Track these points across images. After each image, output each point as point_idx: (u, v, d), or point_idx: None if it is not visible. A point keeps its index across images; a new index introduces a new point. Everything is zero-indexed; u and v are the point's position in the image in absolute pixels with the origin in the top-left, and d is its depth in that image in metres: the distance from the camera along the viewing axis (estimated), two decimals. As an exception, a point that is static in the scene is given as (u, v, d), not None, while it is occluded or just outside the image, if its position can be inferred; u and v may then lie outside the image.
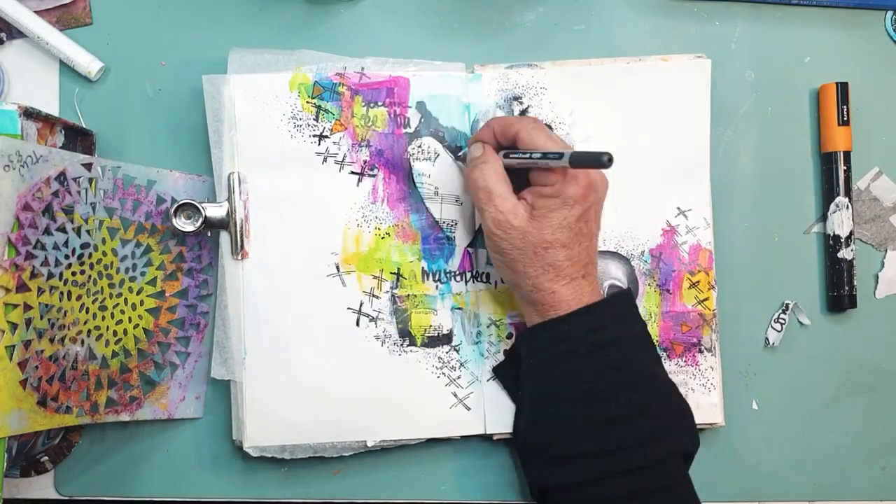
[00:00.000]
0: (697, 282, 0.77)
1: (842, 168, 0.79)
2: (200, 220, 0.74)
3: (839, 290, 0.79)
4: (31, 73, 0.79)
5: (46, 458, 0.76)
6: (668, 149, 0.77)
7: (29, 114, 0.69)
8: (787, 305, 0.79)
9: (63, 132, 0.74)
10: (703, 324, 0.77)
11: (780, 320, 0.79)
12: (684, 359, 0.77)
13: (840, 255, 0.79)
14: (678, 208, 0.78)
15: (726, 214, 0.79)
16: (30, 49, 0.79)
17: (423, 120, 0.76)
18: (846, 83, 0.79)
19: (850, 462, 0.80)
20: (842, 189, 0.79)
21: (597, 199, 0.69)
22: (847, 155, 0.79)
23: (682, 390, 0.76)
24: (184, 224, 0.74)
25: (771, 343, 0.79)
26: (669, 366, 0.77)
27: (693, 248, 0.77)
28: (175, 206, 0.74)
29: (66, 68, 0.79)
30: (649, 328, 0.76)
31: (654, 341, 0.76)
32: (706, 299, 0.77)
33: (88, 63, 0.78)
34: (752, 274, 0.80)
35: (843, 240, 0.79)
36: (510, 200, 0.68)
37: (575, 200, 0.67)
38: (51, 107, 0.78)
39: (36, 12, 0.78)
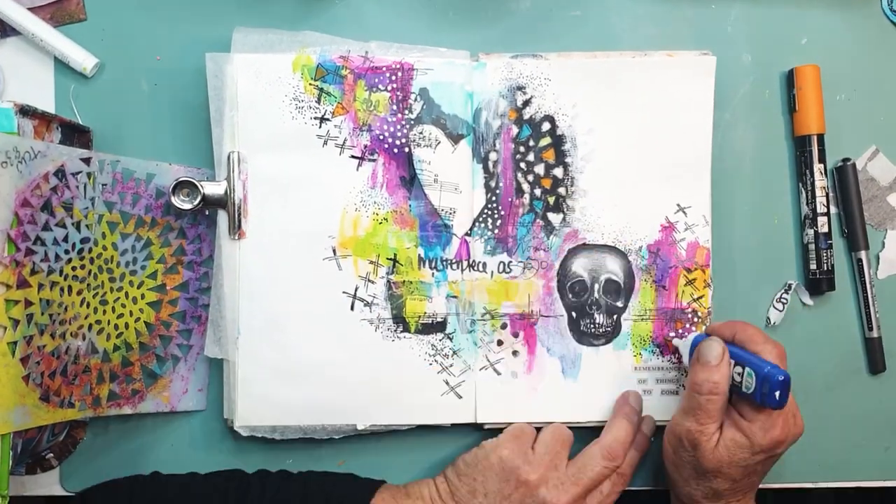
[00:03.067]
0: (694, 279, 0.77)
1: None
2: (199, 197, 0.74)
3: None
4: (26, 71, 0.79)
5: (52, 454, 0.76)
6: (670, 145, 0.77)
7: (25, 111, 0.69)
8: (789, 285, 0.79)
9: (60, 129, 0.74)
10: (697, 321, 0.77)
11: (783, 300, 0.79)
12: (677, 355, 0.77)
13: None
14: (678, 205, 0.77)
15: (725, 197, 0.79)
16: (24, 46, 0.79)
17: (425, 106, 0.76)
18: (793, 70, 0.79)
19: (853, 443, 0.80)
20: (816, 171, 0.79)
21: (784, 450, 0.70)
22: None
23: (672, 387, 0.77)
24: (182, 202, 0.74)
25: (772, 322, 0.79)
26: (662, 362, 0.77)
27: (691, 246, 0.77)
28: (174, 183, 0.74)
29: (61, 65, 0.78)
30: (644, 325, 0.77)
31: (648, 337, 0.77)
32: (701, 297, 0.77)
33: (83, 59, 0.77)
34: (752, 256, 0.80)
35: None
36: (713, 427, 0.69)
37: (762, 449, 0.68)
38: (47, 104, 0.78)
39: (29, 9, 0.77)
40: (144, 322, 0.76)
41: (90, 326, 0.72)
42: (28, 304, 0.65)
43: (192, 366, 0.78)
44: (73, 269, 0.70)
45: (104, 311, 0.73)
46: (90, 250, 0.71)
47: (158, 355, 0.77)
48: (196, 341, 0.78)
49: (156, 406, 0.77)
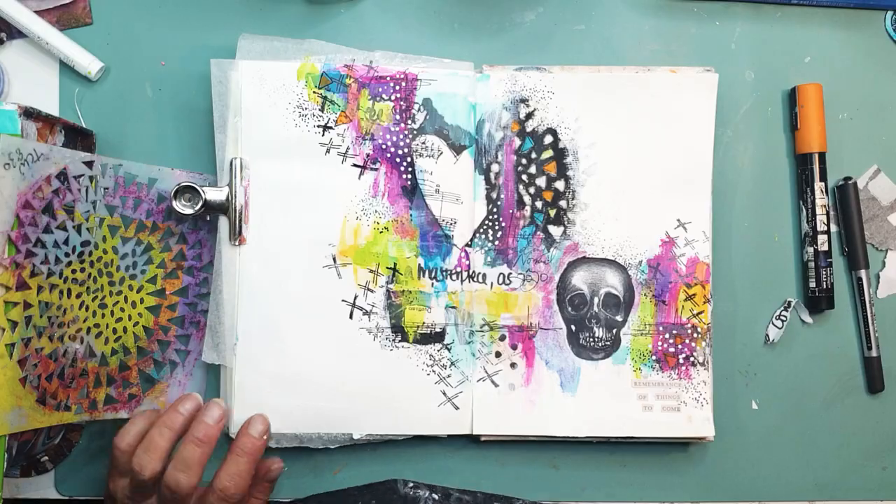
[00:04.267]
0: (693, 294, 0.77)
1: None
2: (200, 203, 0.74)
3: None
4: (32, 73, 0.79)
5: (46, 457, 0.76)
6: (672, 160, 0.77)
7: (29, 114, 0.69)
8: (788, 303, 0.79)
9: (63, 132, 0.74)
10: (696, 337, 0.77)
11: (782, 317, 0.79)
12: (677, 371, 0.77)
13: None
14: (678, 220, 0.77)
15: (726, 214, 0.79)
16: (30, 49, 0.79)
17: (428, 117, 0.76)
18: (795, 88, 0.80)
19: (851, 462, 0.80)
20: (817, 189, 0.79)
21: None
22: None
23: (673, 403, 0.77)
24: (184, 206, 0.74)
25: (771, 340, 0.79)
26: (662, 377, 0.77)
27: (691, 261, 0.77)
28: (175, 188, 0.74)
29: (67, 68, 0.79)
30: (643, 339, 0.77)
31: (648, 351, 0.77)
32: (701, 312, 0.77)
33: (88, 63, 0.78)
34: (752, 273, 0.80)
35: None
36: None
37: None
38: (51, 107, 0.78)
39: (36, 12, 0.78)
40: (143, 326, 0.76)
41: (88, 330, 0.72)
42: (27, 306, 0.65)
43: (190, 371, 0.78)
44: (73, 272, 0.70)
45: (103, 315, 0.73)
46: (90, 253, 0.71)
47: (156, 360, 0.77)
48: (194, 347, 0.78)
49: (152, 411, 0.76)
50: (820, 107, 0.79)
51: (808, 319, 0.80)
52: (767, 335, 0.80)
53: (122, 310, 0.74)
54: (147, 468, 0.68)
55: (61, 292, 0.69)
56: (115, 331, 0.74)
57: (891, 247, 0.80)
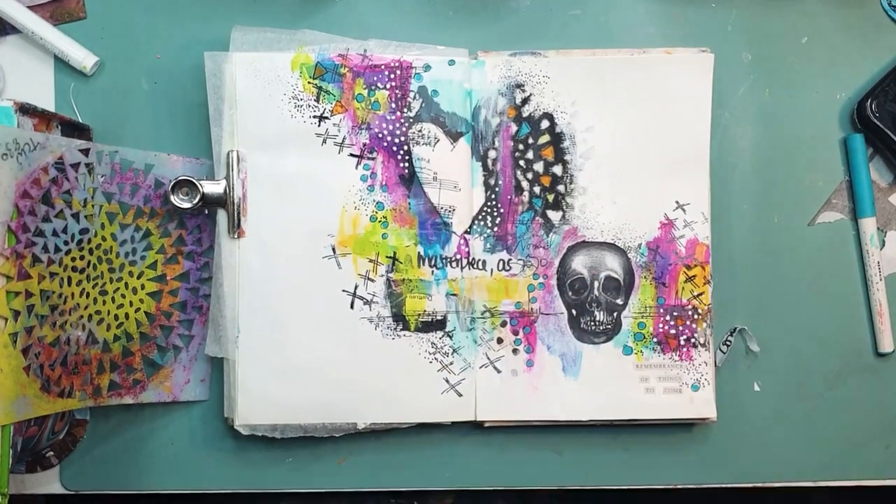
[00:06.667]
0: (693, 276, 0.77)
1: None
2: (198, 196, 0.74)
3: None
4: (26, 69, 0.79)
5: (52, 453, 0.76)
6: (669, 142, 0.77)
7: (25, 110, 0.69)
8: (735, 329, 0.80)
9: (59, 127, 0.74)
10: (697, 318, 0.77)
11: (728, 342, 0.79)
12: (678, 353, 0.77)
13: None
14: (677, 202, 0.77)
15: (725, 195, 0.79)
16: (24, 45, 0.79)
17: (424, 104, 0.76)
18: None
19: (854, 442, 0.80)
20: None
21: None
22: None
23: (675, 385, 0.77)
24: (181, 200, 0.74)
25: (718, 365, 0.79)
26: (663, 359, 0.77)
27: (690, 243, 0.77)
28: (173, 182, 0.74)
29: (61, 63, 0.79)
30: (644, 322, 0.77)
31: (649, 334, 0.77)
32: (702, 294, 0.77)
33: (83, 58, 0.78)
34: (752, 254, 0.80)
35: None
36: None
37: None
38: (46, 102, 0.78)
39: (29, 7, 0.77)
40: (145, 312, 0.76)
41: (90, 317, 0.72)
42: (28, 295, 0.65)
43: (194, 356, 0.78)
44: (73, 259, 0.70)
45: (104, 302, 0.73)
46: (89, 241, 0.71)
47: (160, 345, 0.77)
48: (197, 331, 0.78)
49: (157, 396, 0.76)
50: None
51: (756, 348, 0.80)
52: (716, 363, 0.79)
53: (123, 296, 0.74)
54: None
55: (61, 280, 0.69)
56: (116, 317, 0.74)
57: (892, 227, 0.80)
